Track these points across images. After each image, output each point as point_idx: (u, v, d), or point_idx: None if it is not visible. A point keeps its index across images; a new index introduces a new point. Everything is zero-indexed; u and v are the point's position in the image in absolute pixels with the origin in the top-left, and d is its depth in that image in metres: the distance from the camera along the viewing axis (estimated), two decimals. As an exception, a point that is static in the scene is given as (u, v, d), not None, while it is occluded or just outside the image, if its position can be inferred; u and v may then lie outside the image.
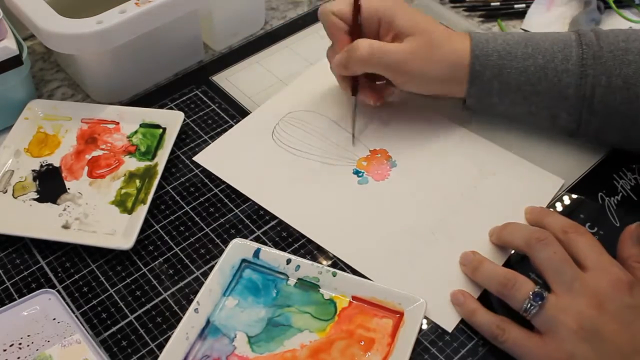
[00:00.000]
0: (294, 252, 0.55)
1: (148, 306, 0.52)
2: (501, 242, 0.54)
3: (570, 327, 0.45)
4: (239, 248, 0.53)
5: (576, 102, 0.57)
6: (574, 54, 0.56)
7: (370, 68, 0.59)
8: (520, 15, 0.79)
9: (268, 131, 0.64)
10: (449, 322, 0.51)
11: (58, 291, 0.52)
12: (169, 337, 0.48)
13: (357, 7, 0.59)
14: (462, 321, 0.51)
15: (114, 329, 0.51)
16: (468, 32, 0.59)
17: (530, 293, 0.47)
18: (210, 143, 0.64)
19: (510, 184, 0.59)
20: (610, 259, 0.49)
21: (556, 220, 0.53)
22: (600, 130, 0.58)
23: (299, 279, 0.52)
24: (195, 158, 0.62)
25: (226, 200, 0.59)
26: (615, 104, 0.56)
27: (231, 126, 0.65)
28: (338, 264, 0.54)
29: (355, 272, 0.54)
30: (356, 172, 0.61)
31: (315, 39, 0.75)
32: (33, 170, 0.61)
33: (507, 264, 0.54)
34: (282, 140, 0.63)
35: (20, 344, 0.48)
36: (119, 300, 0.52)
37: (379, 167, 0.61)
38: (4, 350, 0.48)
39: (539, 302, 0.47)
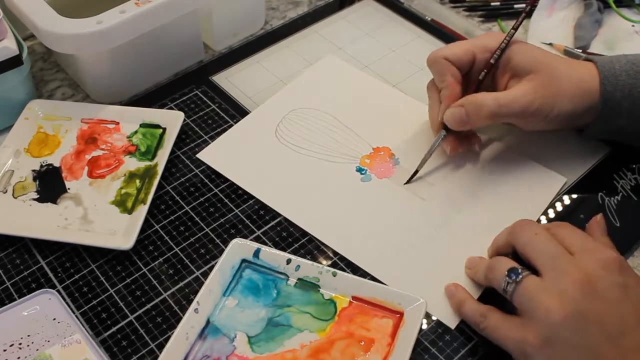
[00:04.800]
0: (294, 252, 0.55)
1: (148, 306, 0.52)
2: (495, 249, 0.53)
3: (551, 308, 0.43)
4: (239, 248, 0.53)
5: None
6: None
7: (495, 121, 0.57)
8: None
9: (271, 129, 0.64)
10: (451, 319, 0.51)
11: (58, 291, 0.52)
12: (169, 337, 0.48)
13: (499, 52, 0.57)
14: (461, 320, 0.51)
15: (114, 329, 0.51)
16: (589, 58, 0.58)
17: (506, 270, 0.47)
18: (210, 143, 0.64)
19: (512, 181, 0.60)
20: (596, 242, 0.48)
21: (538, 223, 0.52)
22: None
23: (299, 279, 0.52)
24: (198, 155, 0.62)
25: (226, 200, 0.59)
26: None
27: (231, 126, 0.65)
28: (338, 264, 0.54)
29: (357, 268, 0.54)
30: (359, 170, 0.61)
31: (315, 38, 0.75)
32: (33, 170, 0.61)
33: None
34: (285, 138, 0.64)
35: (20, 344, 0.48)
36: (119, 300, 0.52)
37: (382, 165, 0.61)
38: (4, 350, 0.48)
39: (514, 279, 0.46)
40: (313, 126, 0.65)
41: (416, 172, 0.59)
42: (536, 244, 0.47)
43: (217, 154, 0.62)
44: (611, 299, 0.44)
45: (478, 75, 0.58)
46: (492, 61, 0.57)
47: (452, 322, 0.51)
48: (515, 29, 0.58)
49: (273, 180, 0.60)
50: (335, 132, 0.64)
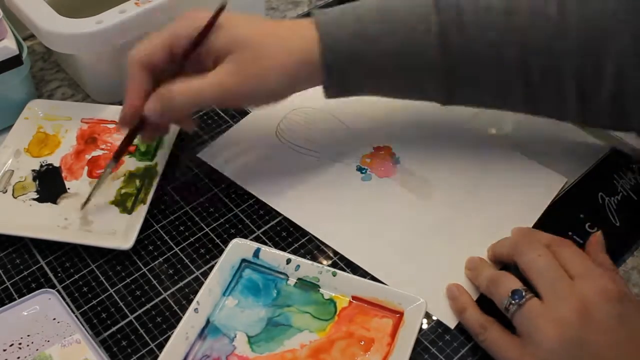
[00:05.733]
0: (294, 252, 0.55)
1: (148, 306, 0.52)
2: (495, 257, 0.53)
3: (548, 334, 0.44)
4: (238, 248, 0.53)
5: (443, 76, 0.53)
6: (434, 22, 0.51)
7: (195, 109, 0.55)
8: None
9: (272, 128, 0.64)
10: (451, 318, 0.51)
11: (58, 291, 0.52)
12: (169, 337, 0.48)
13: (196, 44, 0.52)
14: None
15: (114, 329, 0.51)
16: (315, 17, 0.53)
17: (511, 290, 0.47)
18: (210, 143, 0.64)
19: (513, 181, 0.59)
20: (598, 267, 0.48)
21: (540, 236, 0.52)
22: (471, 98, 0.56)
23: (299, 279, 0.52)
24: (199, 155, 0.62)
25: (226, 200, 0.59)
26: (484, 73, 0.52)
27: (231, 126, 0.65)
28: (338, 263, 0.54)
29: (357, 268, 0.54)
30: (360, 169, 0.61)
31: (315, 39, 0.75)
32: (33, 170, 0.61)
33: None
34: (286, 137, 0.64)
35: (20, 344, 0.48)
36: (119, 300, 0.52)
37: (382, 164, 0.61)
38: (4, 350, 0.48)
39: (518, 301, 0.46)
40: (314, 125, 0.65)
41: (88, 199, 0.57)
42: (539, 266, 0.47)
43: (217, 154, 0.62)
44: (607, 328, 0.44)
45: (180, 64, 0.53)
46: (180, 61, 0.53)
47: (451, 322, 0.51)
48: (215, 18, 0.52)
49: (273, 179, 0.60)
50: (336, 132, 0.64)
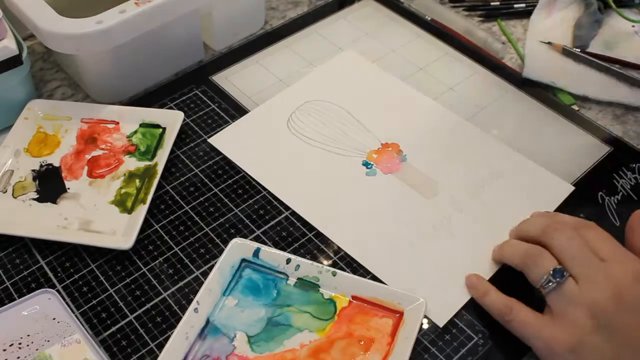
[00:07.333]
0: (294, 252, 0.55)
1: (148, 306, 0.52)
2: (517, 235, 0.54)
3: (583, 315, 0.45)
4: (238, 248, 0.53)
5: None
6: None
7: None
8: (521, 15, 0.79)
9: (284, 119, 0.65)
10: (440, 317, 0.51)
11: (58, 291, 0.52)
12: (169, 336, 0.48)
13: None
14: (461, 319, 0.51)
15: (113, 328, 0.51)
16: None
17: (552, 268, 0.47)
18: (221, 129, 0.64)
19: (518, 186, 0.59)
20: (626, 250, 0.48)
21: (564, 218, 0.52)
22: None
23: (298, 279, 0.52)
24: (210, 140, 0.63)
25: (226, 200, 0.59)
26: None
27: (231, 126, 0.65)
28: (338, 263, 0.54)
29: (357, 268, 0.54)
30: (365, 164, 0.61)
31: (315, 38, 0.75)
32: (33, 170, 0.61)
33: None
34: (296, 128, 0.64)
35: (20, 343, 0.48)
36: (118, 300, 0.52)
37: (389, 161, 0.61)
38: (4, 350, 0.48)
39: (558, 280, 0.47)
40: (325, 118, 0.65)
41: None
42: (571, 251, 0.48)
43: (228, 140, 0.63)
44: (638, 311, 0.45)
45: None
46: None
47: (441, 321, 0.51)
48: None
49: (280, 169, 0.61)
50: (346, 126, 0.64)
